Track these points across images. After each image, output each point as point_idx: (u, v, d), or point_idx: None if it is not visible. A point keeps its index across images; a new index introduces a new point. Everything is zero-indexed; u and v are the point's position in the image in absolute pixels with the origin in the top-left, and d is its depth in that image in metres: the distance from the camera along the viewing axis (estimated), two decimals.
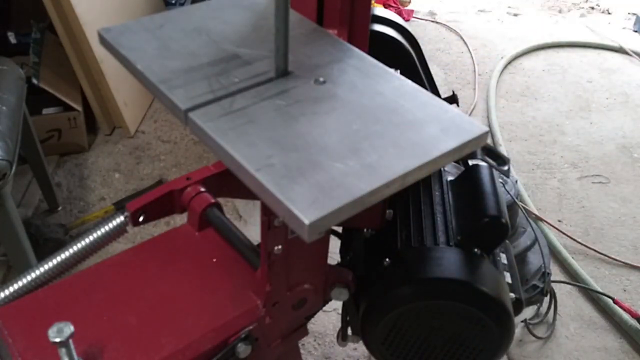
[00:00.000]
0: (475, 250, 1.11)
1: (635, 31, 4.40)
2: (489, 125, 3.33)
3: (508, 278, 1.16)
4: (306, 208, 0.58)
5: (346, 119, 0.71)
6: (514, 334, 1.14)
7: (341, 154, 0.66)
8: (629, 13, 4.63)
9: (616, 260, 2.52)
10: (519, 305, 1.17)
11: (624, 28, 4.47)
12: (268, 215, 0.85)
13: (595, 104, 3.63)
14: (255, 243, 1.13)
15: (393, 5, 4.28)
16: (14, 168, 1.90)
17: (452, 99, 1.28)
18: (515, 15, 4.72)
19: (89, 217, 2.57)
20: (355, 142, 0.68)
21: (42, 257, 2.26)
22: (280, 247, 0.92)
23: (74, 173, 2.89)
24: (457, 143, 0.68)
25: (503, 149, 3.16)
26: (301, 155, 0.65)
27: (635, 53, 4.06)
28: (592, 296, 2.36)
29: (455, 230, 1.18)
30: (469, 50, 4.10)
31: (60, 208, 2.66)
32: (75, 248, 1.13)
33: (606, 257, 2.53)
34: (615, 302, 2.24)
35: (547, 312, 2.20)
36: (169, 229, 1.22)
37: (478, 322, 1.09)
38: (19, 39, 3.15)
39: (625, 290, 2.42)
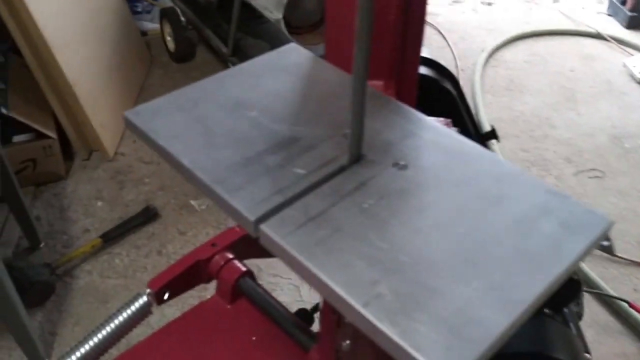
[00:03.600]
0: (545, 310, 1.02)
1: (610, 15, 4.38)
2: (480, 125, 3.26)
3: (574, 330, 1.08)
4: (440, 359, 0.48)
5: (446, 219, 0.61)
6: None
7: (458, 272, 0.55)
8: None
9: (623, 258, 2.48)
10: None
11: (598, 12, 4.45)
12: (338, 312, 0.74)
13: (581, 93, 3.60)
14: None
15: None
16: None
17: (492, 135, 1.19)
18: (489, 4, 4.66)
19: (76, 253, 2.41)
20: (467, 252, 0.57)
21: (29, 303, 2.11)
22: (348, 342, 0.81)
23: (53, 204, 2.72)
24: (586, 243, 0.58)
25: (496, 148, 3.10)
26: (410, 278, 0.54)
27: (613, 38, 4.04)
28: (605, 299, 2.32)
29: None
30: (448, 44, 4.02)
31: (42, 244, 2.49)
32: (95, 341, 1.00)
33: (613, 256, 2.49)
34: (630, 305, 2.20)
35: None
36: (196, 304, 1.10)
37: None
38: None
39: (635, 290, 2.39)
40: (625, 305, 2.22)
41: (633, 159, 3.05)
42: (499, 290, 0.53)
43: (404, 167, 0.67)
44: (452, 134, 0.72)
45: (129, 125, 0.72)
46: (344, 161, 0.67)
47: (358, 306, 0.52)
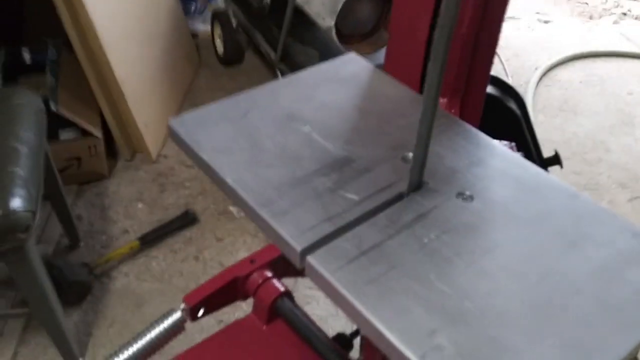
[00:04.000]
0: None
1: None
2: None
3: None
4: None
5: (517, 262, 0.54)
6: None
7: (531, 326, 0.48)
8: None
9: None
10: None
11: None
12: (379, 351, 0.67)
13: (639, 117, 3.44)
14: None
15: None
16: (37, 217, 1.73)
17: (555, 160, 1.11)
18: (546, 22, 4.52)
19: (113, 254, 2.39)
20: (541, 302, 0.50)
21: (66, 302, 2.10)
22: None
23: (95, 204, 2.72)
24: None
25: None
26: (475, 330, 0.48)
27: None
28: None
29: None
30: (501, 61, 3.90)
31: (82, 244, 2.48)
32: (126, 356, 0.95)
33: None
34: None
35: None
36: (232, 322, 1.04)
37: None
38: (34, 57, 2.98)
39: None
40: None
41: None
42: (578, 350, 0.46)
43: (470, 199, 0.60)
44: (524, 162, 0.65)
45: (173, 135, 0.67)
46: (402, 188, 0.61)
47: (414, 358, 0.46)
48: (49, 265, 2.16)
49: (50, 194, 2.29)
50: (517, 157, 0.65)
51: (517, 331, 0.48)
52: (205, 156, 0.63)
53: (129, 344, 0.97)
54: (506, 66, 3.86)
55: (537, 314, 0.49)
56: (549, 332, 0.47)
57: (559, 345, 0.46)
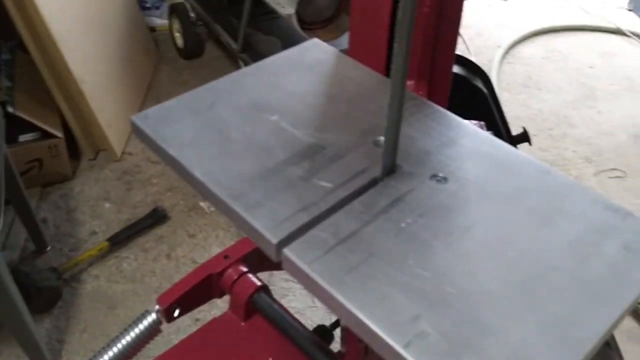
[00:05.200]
0: None
1: (630, 10, 4.27)
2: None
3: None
4: None
5: (494, 241, 0.53)
6: None
7: (511, 306, 0.48)
8: None
9: None
10: None
11: (618, 7, 4.34)
12: (364, 342, 0.66)
13: (601, 91, 3.50)
14: None
15: None
16: (0, 221, 1.68)
17: (524, 137, 1.11)
18: None
19: (82, 257, 2.34)
20: (520, 281, 0.50)
21: (35, 309, 2.05)
22: None
23: (60, 205, 2.65)
24: None
25: None
26: (458, 313, 0.47)
27: (634, 34, 3.94)
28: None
29: None
30: (464, 40, 3.93)
31: (49, 248, 2.42)
32: None
33: None
34: None
35: None
36: (209, 320, 1.02)
37: None
38: None
39: None
40: None
41: None
42: (558, 327, 0.46)
43: (444, 180, 0.59)
44: (495, 141, 0.64)
45: (136, 132, 0.65)
46: (376, 173, 0.59)
47: (398, 347, 0.45)
48: (16, 271, 2.10)
49: (12, 198, 2.23)
50: (488, 135, 0.65)
51: (499, 311, 0.47)
52: (172, 151, 0.60)
53: (102, 351, 0.94)
54: (469, 46, 3.88)
55: (516, 293, 0.49)
56: (529, 311, 0.47)
57: (539, 323, 0.46)
